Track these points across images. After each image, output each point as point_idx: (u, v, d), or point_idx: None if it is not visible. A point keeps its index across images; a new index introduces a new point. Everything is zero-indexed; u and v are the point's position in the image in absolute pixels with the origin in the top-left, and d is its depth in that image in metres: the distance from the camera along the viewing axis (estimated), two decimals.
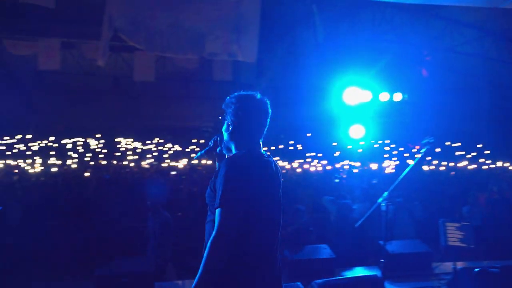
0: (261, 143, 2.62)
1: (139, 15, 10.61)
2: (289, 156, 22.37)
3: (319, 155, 24.61)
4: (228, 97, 2.72)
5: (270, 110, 2.75)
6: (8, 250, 6.26)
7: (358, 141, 8.54)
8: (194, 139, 27.76)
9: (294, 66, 16.46)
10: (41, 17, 11.92)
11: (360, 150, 16.60)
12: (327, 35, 14.37)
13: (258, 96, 2.73)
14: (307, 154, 23.73)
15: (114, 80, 18.05)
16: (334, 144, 25.43)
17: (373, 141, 18.90)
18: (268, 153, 2.68)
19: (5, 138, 24.11)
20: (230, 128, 2.62)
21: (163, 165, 19.62)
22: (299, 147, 26.66)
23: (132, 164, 15.57)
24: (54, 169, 13.80)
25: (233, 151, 2.58)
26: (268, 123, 2.73)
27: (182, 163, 17.01)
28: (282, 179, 2.65)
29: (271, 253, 2.47)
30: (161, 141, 26.41)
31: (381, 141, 22.29)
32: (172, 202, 8.44)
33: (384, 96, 8.52)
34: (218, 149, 2.55)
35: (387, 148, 23.88)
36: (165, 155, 22.11)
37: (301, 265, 4.65)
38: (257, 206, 2.37)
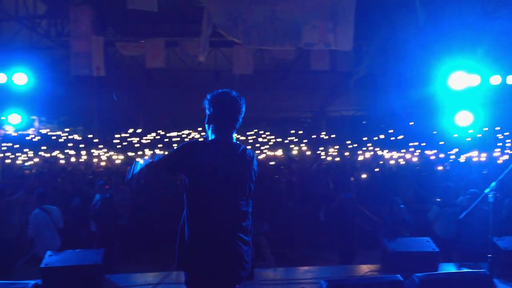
0: (232, 130, 2.92)
1: (236, 10, 10.90)
2: (389, 145, 21.55)
3: (422, 144, 23.39)
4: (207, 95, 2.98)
5: (241, 107, 3.01)
6: (119, 231, 6.72)
7: (466, 129, 7.94)
8: (292, 129, 27.92)
9: (394, 52, 15.75)
10: (147, 19, 12.78)
11: (468, 139, 15.44)
12: (429, 18, 13.56)
13: (231, 94, 3.03)
14: (410, 144, 22.67)
15: (215, 74, 18.73)
16: (434, 132, 24.01)
17: (485, 129, 17.42)
18: (238, 142, 2.94)
19: (119, 133, 26.33)
20: (206, 121, 2.95)
21: (262, 155, 20.04)
22: (400, 136, 25.62)
23: None
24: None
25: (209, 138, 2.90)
26: (239, 117, 2.98)
27: (280, 153, 17.26)
28: (252, 166, 2.86)
29: (218, 224, 2.70)
30: (261, 132, 26.98)
31: (491, 129, 20.56)
32: (270, 192, 8.68)
33: (495, 80, 7.84)
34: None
35: (499, 136, 21.97)
36: (264, 147, 22.56)
37: (401, 257, 4.48)
38: (197, 181, 2.71)
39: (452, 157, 14.66)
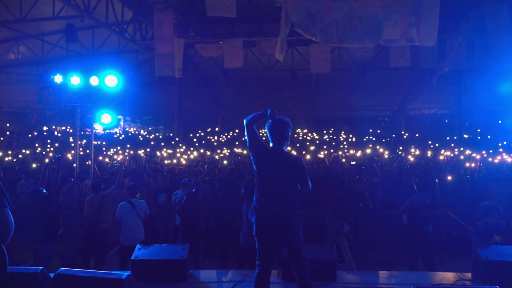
0: (283, 142, 4.14)
1: (314, 8, 10.76)
2: (475, 145, 20.20)
3: None
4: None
5: (288, 129, 4.19)
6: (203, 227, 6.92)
7: None
8: (370, 128, 27.19)
9: (482, 45, 14.76)
10: (225, 20, 13.06)
11: None
12: None
13: (283, 120, 4.17)
14: (499, 144, 21.10)
15: (292, 73, 18.74)
16: None
17: None
18: (286, 150, 4.19)
19: (198, 131, 27.23)
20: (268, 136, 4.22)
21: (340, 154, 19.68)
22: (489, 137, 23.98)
23: (308, 156, 16.12)
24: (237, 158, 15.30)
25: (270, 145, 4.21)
26: (286, 135, 4.17)
27: (358, 153, 16.85)
28: (295, 164, 4.09)
29: (273, 198, 4.00)
30: (339, 131, 26.54)
31: None
32: (351, 193, 8.51)
33: None
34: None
35: None
36: (341, 146, 22.17)
37: (496, 267, 4.14)
38: (260, 161, 4.09)
39: None
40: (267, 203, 3.99)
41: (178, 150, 17.46)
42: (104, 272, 3.76)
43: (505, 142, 21.69)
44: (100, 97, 8.81)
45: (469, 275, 4.52)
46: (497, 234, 5.45)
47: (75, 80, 8.39)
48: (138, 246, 4.73)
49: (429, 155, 16.82)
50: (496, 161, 14.74)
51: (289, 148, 4.70)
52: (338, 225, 6.65)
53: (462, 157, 16.40)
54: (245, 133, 4.22)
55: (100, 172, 10.38)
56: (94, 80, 8.47)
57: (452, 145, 21.04)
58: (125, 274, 3.60)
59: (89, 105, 8.87)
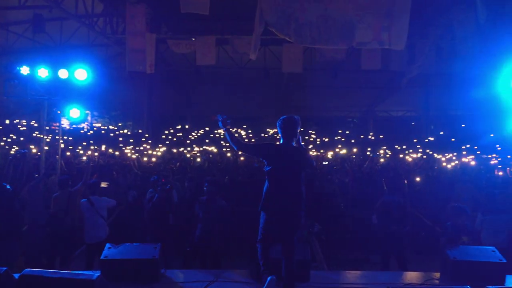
0: (292, 138, 4.47)
1: (289, 8, 10.80)
2: (440, 148, 20.78)
3: (475, 147, 22.39)
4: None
5: (297, 126, 4.51)
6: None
7: None
8: (339, 129, 27.49)
9: (450, 51, 15.16)
10: (199, 17, 12.95)
11: None
12: (490, 15, 12.96)
13: (293, 118, 4.52)
14: (463, 147, 21.77)
15: (264, 72, 18.76)
16: (491, 135, 22.77)
17: None
18: (295, 145, 4.51)
19: (168, 128, 26.88)
20: (278, 132, 4.55)
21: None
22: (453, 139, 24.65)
23: None
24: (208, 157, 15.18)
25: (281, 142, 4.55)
26: (296, 132, 4.49)
27: (329, 154, 17.05)
28: (302, 156, 4.50)
29: (282, 185, 4.34)
30: (310, 131, 26.68)
31: None
32: (322, 193, 8.59)
33: None
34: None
35: None
36: (310, 146, 22.38)
37: (465, 267, 4.23)
38: (269, 160, 4.44)
39: None
40: (279, 195, 4.30)
41: (146, 146, 17.20)
42: (73, 273, 3.64)
43: (468, 146, 22.37)
44: (69, 91, 8.53)
45: (437, 274, 4.62)
46: (465, 235, 5.60)
47: (43, 73, 8.08)
48: (108, 245, 4.59)
49: (400, 156, 17.16)
50: (452, 164, 15.17)
51: None
52: (309, 225, 6.67)
53: (430, 158, 16.81)
54: (246, 153, 4.64)
55: (67, 168, 10.08)
56: (63, 73, 8.19)
57: (418, 146, 21.55)
58: (96, 274, 3.49)
59: (57, 99, 8.56)
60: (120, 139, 22.36)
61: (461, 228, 5.64)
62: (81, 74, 8.18)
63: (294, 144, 4.48)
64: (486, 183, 9.58)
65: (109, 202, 6.74)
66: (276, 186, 4.35)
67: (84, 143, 18.34)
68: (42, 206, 7.26)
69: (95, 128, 28.00)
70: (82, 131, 25.18)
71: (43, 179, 7.74)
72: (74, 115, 8.49)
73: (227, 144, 19.88)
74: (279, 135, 4.51)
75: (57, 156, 9.22)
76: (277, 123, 4.50)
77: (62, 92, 8.47)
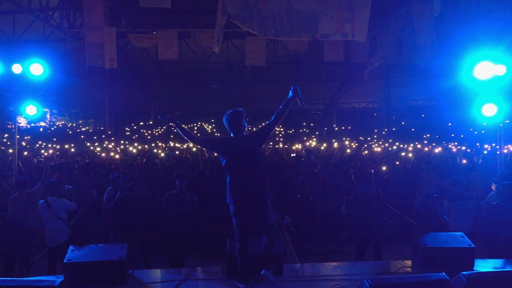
0: (240, 130, 4.49)
1: (252, 0, 10.70)
2: (401, 138, 21.28)
3: (436, 137, 23.11)
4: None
5: (242, 117, 4.50)
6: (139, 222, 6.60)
7: (492, 120, 7.70)
8: (304, 122, 27.70)
9: (410, 43, 15.46)
10: (159, 10, 12.62)
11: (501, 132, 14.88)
12: (445, 8, 13.26)
13: (237, 111, 4.49)
14: (424, 136, 22.38)
15: (227, 65, 18.56)
16: (449, 124, 23.45)
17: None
18: (245, 133, 4.55)
19: (131, 124, 26.31)
20: (227, 127, 4.51)
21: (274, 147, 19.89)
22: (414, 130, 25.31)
23: None
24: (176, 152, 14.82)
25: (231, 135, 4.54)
26: (243, 122, 4.50)
27: (295, 146, 17.09)
28: (255, 138, 4.55)
29: (242, 176, 4.35)
30: None
31: None
32: (290, 185, 8.56)
33: None
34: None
35: None
36: (277, 139, 22.45)
37: (435, 253, 4.28)
38: (224, 153, 4.46)
39: (485, 152, 14.06)
40: (240, 185, 4.32)
41: (108, 143, 16.72)
42: (34, 279, 3.42)
43: (428, 135, 23.01)
44: (24, 87, 8.06)
45: (409, 262, 4.65)
46: (437, 223, 5.67)
47: None
48: (71, 247, 4.35)
49: (365, 147, 17.40)
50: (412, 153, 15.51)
51: None
52: (279, 218, 6.61)
53: (394, 147, 17.11)
54: (203, 149, 4.64)
55: (25, 168, 9.62)
56: (16, 68, 7.73)
57: (381, 138, 21.98)
58: (58, 280, 3.28)
59: (11, 95, 8.08)
60: (82, 136, 21.71)
61: (433, 214, 5.71)
62: (37, 68, 7.77)
63: (244, 133, 4.53)
64: (451, 170, 9.81)
65: (67, 206, 6.33)
66: (237, 177, 4.36)
67: (42, 143, 17.60)
68: None
69: (54, 126, 27.13)
70: (41, 129, 24.33)
71: None
72: (30, 112, 8.06)
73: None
74: (228, 129, 4.52)
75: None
76: (224, 119, 4.52)
77: (17, 88, 8.02)
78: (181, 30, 15.86)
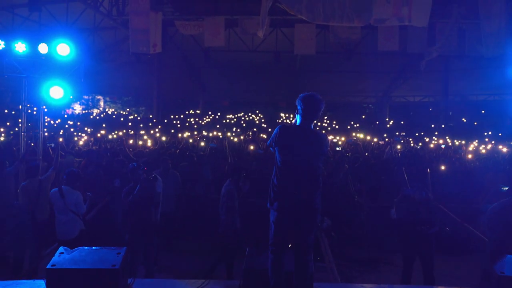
0: (312, 120, 3.85)
1: None
2: (460, 135, 19.73)
3: (500, 134, 21.32)
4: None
5: (321, 107, 3.83)
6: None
7: None
8: (354, 115, 26.67)
9: (474, 31, 14.14)
10: None
11: None
12: None
13: (316, 97, 3.82)
14: (485, 133, 20.71)
15: (275, 55, 17.97)
16: None
17: None
18: (315, 128, 3.98)
19: (178, 114, 26.32)
20: (296, 111, 3.87)
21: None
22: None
23: None
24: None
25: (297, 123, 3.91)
26: (318, 114, 3.87)
27: (341, 139, 16.18)
28: (322, 144, 3.85)
29: (297, 176, 3.72)
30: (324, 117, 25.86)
31: None
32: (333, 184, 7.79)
33: None
34: None
35: None
36: (324, 132, 21.59)
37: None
38: (281, 145, 3.79)
39: None
40: (292, 188, 3.70)
41: (154, 132, 16.48)
42: (13, 282, 2.90)
43: (490, 132, 21.32)
44: (57, 69, 7.64)
45: None
46: None
47: (20, 47, 7.17)
48: (60, 249, 3.69)
49: (421, 144, 16.14)
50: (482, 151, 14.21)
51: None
52: (319, 220, 5.89)
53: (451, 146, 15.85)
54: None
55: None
56: (43, 48, 7.26)
57: (436, 133, 20.56)
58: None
59: (37, 77, 7.47)
60: (130, 124, 21.80)
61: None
62: (63, 49, 7.26)
63: (312, 127, 3.86)
64: None
65: (79, 204, 5.70)
66: (290, 176, 3.71)
67: (88, 129, 17.70)
68: (11, 198, 6.50)
69: (103, 114, 27.64)
70: (91, 117, 24.77)
71: (20, 166, 6.97)
72: (55, 95, 7.44)
73: (238, 130, 19.27)
74: (297, 114, 3.83)
75: (60, 139, 8.56)
76: (297, 101, 3.82)
77: (46, 70, 7.59)
78: (228, 17, 15.46)
